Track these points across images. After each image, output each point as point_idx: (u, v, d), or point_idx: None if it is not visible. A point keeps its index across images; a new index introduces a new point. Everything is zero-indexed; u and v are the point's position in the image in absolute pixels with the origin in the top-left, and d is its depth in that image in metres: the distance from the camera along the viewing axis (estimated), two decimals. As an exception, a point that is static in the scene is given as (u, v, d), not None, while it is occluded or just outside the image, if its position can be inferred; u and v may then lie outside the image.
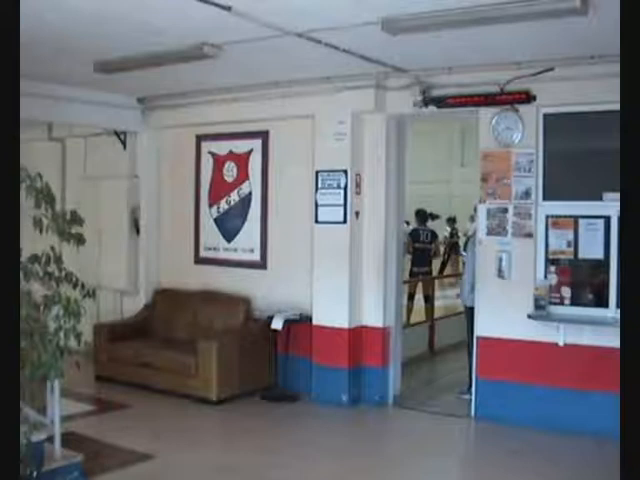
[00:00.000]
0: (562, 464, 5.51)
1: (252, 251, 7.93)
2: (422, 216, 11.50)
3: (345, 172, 7.01)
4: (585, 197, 6.15)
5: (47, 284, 4.16)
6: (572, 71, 5.92)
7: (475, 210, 6.94)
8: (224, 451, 5.99)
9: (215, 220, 8.23)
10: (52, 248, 4.15)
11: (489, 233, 6.53)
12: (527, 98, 6.20)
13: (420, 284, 10.78)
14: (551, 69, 5.98)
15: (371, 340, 7.14)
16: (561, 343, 6.17)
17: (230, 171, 8.09)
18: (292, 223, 7.60)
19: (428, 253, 11.20)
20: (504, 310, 6.42)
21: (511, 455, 5.72)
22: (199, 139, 8.36)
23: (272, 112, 7.47)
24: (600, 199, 6.04)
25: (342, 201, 7.03)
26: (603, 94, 5.66)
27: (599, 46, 5.50)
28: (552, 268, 6.32)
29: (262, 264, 7.84)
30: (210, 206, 8.27)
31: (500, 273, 6.43)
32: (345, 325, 7.05)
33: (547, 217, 6.32)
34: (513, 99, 6.26)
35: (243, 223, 8.00)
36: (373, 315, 7.13)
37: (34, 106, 6.76)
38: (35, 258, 4.10)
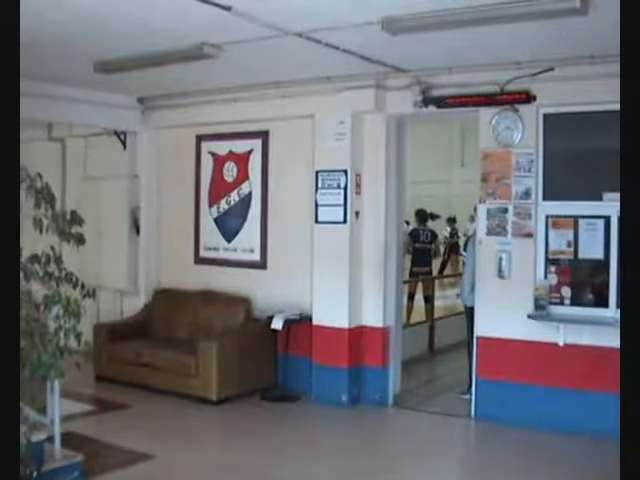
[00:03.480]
0: (562, 464, 5.51)
1: (252, 251, 7.92)
2: (422, 216, 11.50)
3: (345, 172, 7.01)
4: (585, 197, 6.15)
5: (47, 284, 4.17)
6: (572, 71, 5.91)
7: (475, 210, 6.93)
8: (224, 451, 5.99)
9: (215, 220, 8.22)
10: (52, 248, 4.16)
11: (489, 233, 6.53)
12: (527, 98, 6.20)
13: (420, 284, 10.79)
14: (551, 69, 5.97)
15: (371, 340, 7.13)
16: (561, 343, 6.17)
17: (230, 171, 8.08)
18: (292, 223, 7.59)
19: (428, 253, 11.22)
20: (504, 310, 6.42)
21: (511, 455, 5.73)
22: (199, 139, 8.35)
23: (272, 112, 7.47)
24: (600, 199, 6.05)
25: (342, 201, 7.02)
26: (603, 94, 5.66)
27: (599, 46, 5.49)
28: (552, 268, 6.32)
29: (262, 264, 7.84)
30: (210, 206, 8.26)
31: (500, 273, 6.43)
32: (345, 325, 7.05)
33: (547, 217, 6.32)
34: (513, 99, 6.26)
35: (243, 223, 7.99)
36: (373, 315, 7.13)
37: (34, 106, 6.74)
38: (35, 258, 4.11)
